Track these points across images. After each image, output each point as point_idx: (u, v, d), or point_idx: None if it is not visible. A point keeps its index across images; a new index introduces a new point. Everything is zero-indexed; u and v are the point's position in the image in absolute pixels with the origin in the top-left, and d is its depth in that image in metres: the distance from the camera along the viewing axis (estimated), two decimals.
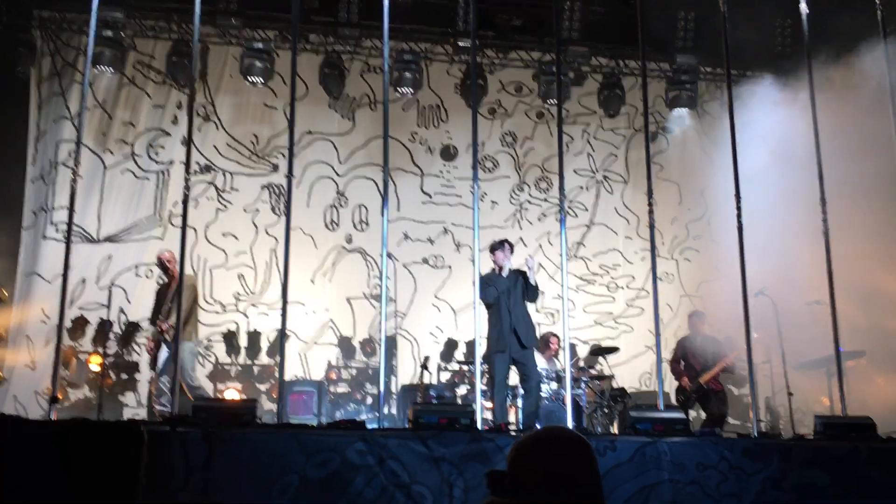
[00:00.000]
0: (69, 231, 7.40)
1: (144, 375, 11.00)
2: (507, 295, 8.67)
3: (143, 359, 10.57)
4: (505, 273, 8.76)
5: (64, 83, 12.50)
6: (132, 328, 11.46)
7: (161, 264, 9.66)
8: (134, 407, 11.34)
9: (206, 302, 12.01)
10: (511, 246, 9.00)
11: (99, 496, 5.31)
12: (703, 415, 10.42)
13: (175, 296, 9.26)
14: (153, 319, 9.61)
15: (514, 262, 8.95)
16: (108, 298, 9.58)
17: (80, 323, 11.55)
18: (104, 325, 10.57)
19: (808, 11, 8.90)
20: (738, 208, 8.11)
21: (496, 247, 8.97)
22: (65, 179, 11.95)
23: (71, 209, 7.45)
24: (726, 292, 11.28)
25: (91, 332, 11.59)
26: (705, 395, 10.18)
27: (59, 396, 7.58)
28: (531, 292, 8.76)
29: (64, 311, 7.22)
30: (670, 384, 11.92)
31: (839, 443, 6.83)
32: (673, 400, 10.57)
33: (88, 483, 5.33)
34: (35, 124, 12.37)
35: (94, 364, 11.06)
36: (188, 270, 8.74)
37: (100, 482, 5.35)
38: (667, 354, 10.93)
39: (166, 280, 9.73)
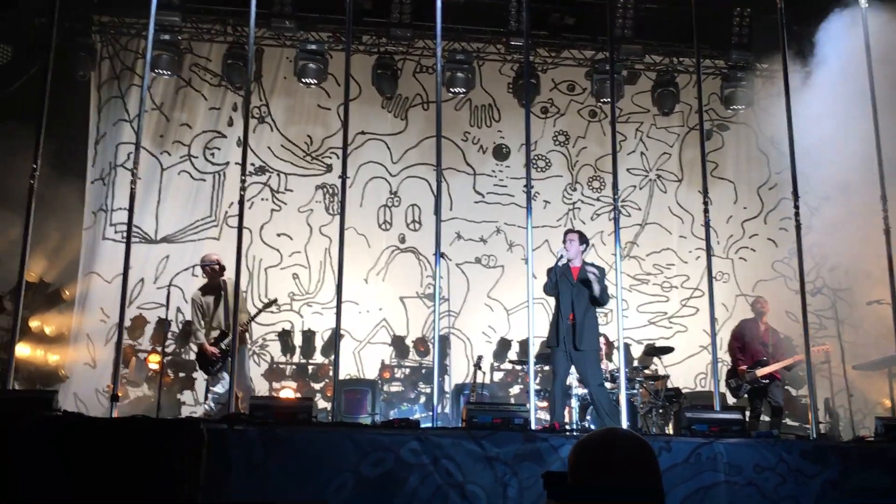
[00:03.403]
0: (129, 232, 7.55)
1: (202, 373, 11.10)
2: (570, 288, 8.42)
3: None
4: (567, 263, 8.49)
5: (122, 86, 12.75)
6: (190, 327, 11.62)
7: (220, 266, 9.61)
8: (191, 405, 11.51)
9: (262, 301, 12.12)
10: (575, 236, 8.66)
11: (161, 493, 5.41)
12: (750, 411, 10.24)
13: (227, 301, 9.34)
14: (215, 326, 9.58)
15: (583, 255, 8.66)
16: (166, 298, 9.71)
17: (139, 322, 11.75)
18: (162, 325, 10.73)
19: (866, 5, 8.74)
20: (796, 207, 8.00)
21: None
22: (124, 181, 12.17)
23: (130, 211, 7.60)
24: (784, 291, 11.16)
25: (150, 331, 11.79)
26: (758, 389, 9.96)
27: (119, 394, 7.71)
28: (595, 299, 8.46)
29: (124, 311, 7.36)
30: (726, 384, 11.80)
31: None
32: (722, 382, 10.42)
33: (150, 480, 5.43)
34: (95, 127, 12.63)
35: (153, 363, 11.24)
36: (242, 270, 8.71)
37: (161, 479, 5.45)
38: (722, 354, 10.81)
39: (212, 283, 9.68)
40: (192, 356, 11.49)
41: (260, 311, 9.80)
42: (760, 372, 9.94)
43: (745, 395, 10.09)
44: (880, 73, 8.55)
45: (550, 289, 8.46)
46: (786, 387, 11.31)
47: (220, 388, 9.41)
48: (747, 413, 10.03)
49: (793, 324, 10.28)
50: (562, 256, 8.48)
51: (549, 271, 8.51)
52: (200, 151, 12.83)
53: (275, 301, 10.16)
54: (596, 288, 8.34)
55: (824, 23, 10.09)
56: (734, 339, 10.36)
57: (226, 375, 9.28)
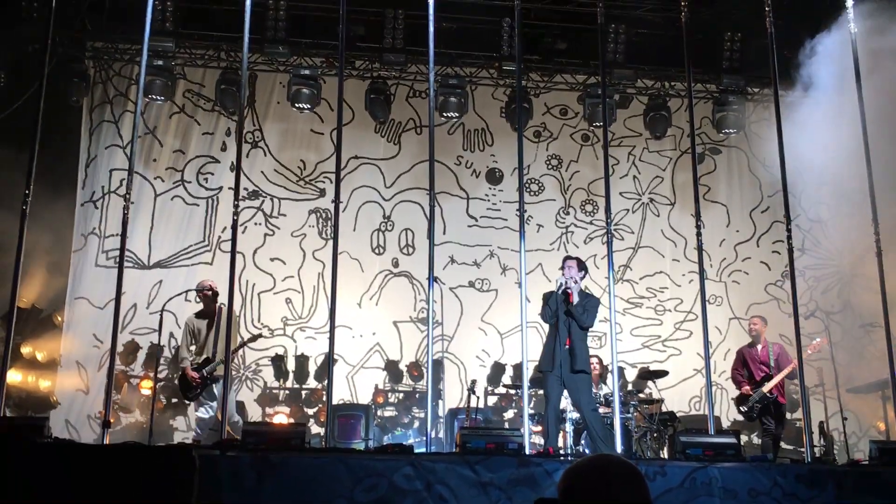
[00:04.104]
0: (121, 257, 7.54)
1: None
2: (566, 314, 8.36)
3: None
4: (566, 290, 8.45)
5: (115, 111, 12.76)
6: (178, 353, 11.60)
7: (214, 293, 9.61)
8: (184, 431, 11.45)
9: (255, 326, 12.11)
10: (574, 262, 8.61)
11: None
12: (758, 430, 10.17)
13: (219, 328, 9.32)
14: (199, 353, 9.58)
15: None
16: (158, 323, 9.68)
17: (131, 347, 11.70)
18: (155, 350, 10.69)
19: (856, 30, 8.81)
20: (789, 230, 8.03)
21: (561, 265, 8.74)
22: (116, 207, 12.14)
23: (123, 236, 7.58)
24: (777, 314, 11.16)
25: (142, 357, 11.74)
26: (767, 406, 9.87)
27: (111, 420, 7.68)
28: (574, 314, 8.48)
29: (116, 336, 7.34)
30: (720, 408, 11.78)
31: (895, 468, 6.69)
32: (734, 409, 10.34)
33: None
34: (86, 149, 12.63)
35: (145, 388, 11.19)
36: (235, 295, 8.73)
37: None
38: (716, 378, 10.77)
39: (207, 310, 9.68)
40: None
41: (243, 344, 9.77)
42: (767, 387, 9.83)
43: (756, 416, 9.99)
44: (870, 95, 8.61)
45: (550, 316, 8.41)
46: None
47: (202, 413, 9.41)
48: (744, 436, 10.04)
49: (787, 346, 10.28)
50: (562, 284, 8.42)
51: (547, 298, 8.48)
52: (194, 176, 12.83)
53: (259, 335, 10.20)
54: (575, 298, 8.29)
55: (814, 47, 10.16)
56: (734, 370, 10.31)
57: (205, 401, 9.33)
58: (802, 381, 7.90)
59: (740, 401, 10.11)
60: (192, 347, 9.52)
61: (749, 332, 10.50)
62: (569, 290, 8.34)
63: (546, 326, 8.75)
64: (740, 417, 10.49)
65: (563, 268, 8.63)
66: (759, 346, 10.17)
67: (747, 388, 9.96)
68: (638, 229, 13.54)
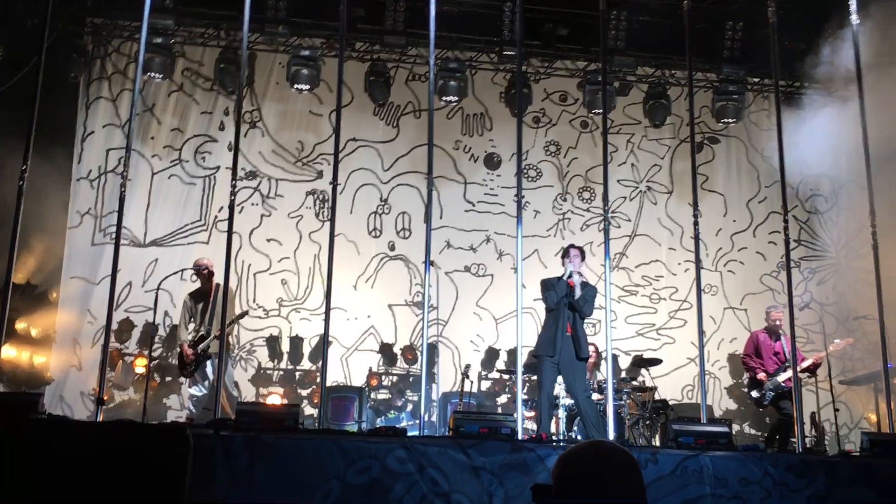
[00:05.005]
0: (118, 234, 7.52)
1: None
2: (568, 305, 8.59)
3: None
4: (569, 278, 8.66)
5: (114, 88, 12.70)
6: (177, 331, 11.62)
7: (209, 271, 9.70)
8: (177, 409, 11.47)
9: (250, 306, 12.10)
10: (578, 251, 8.87)
11: (145, 497, 5.39)
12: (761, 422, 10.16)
13: (215, 305, 9.38)
14: (197, 329, 9.65)
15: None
16: (153, 301, 9.70)
17: (126, 325, 11.70)
18: (150, 328, 10.71)
19: (858, 21, 8.79)
20: (786, 221, 8.03)
21: (564, 253, 8.98)
22: (114, 185, 12.11)
23: (120, 213, 7.57)
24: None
25: (137, 335, 11.75)
26: (780, 395, 9.86)
27: (105, 398, 7.69)
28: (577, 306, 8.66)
29: (111, 314, 7.33)
30: (713, 397, 11.81)
31: (886, 460, 6.73)
32: (726, 398, 10.32)
33: (135, 485, 5.40)
34: (82, 123, 12.55)
35: (140, 366, 11.20)
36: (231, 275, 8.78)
37: (146, 484, 5.43)
38: (710, 367, 10.77)
39: (203, 288, 9.77)
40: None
41: (231, 322, 9.81)
42: (783, 377, 9.79)
43: (769, 403, 9.99)
44: (869, 85, 8.59)
45: (554, 303, 8.55)
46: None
47: (195, 391, 9.47)
48: (736, 426, 10.06)
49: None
50: (571, 273, 8.58)
51: (554, 283, 8.58)
52: (191, 155, 12.77)
53: (245, 313, 10.32)
54: (578, 291, 8.45)
55: (816, 38, 10.15)
56: (747, 356, 10.28)
57: (200, 379, 9.39)
58: (795, 372, 7.93)
59: (753, 385, 10.09)
60: (191, 325, 9.59)
61: (771, 323, 10.37)
62: (576, 277, 8.47)
63: (543, 312, 8.79)
64: (733, 406, 10.54)
65: (568, 256, 8.74)
66: (775, 338, 10.15)
67: (763, 375, 9.95)
68: (635, 217, 13.53)
